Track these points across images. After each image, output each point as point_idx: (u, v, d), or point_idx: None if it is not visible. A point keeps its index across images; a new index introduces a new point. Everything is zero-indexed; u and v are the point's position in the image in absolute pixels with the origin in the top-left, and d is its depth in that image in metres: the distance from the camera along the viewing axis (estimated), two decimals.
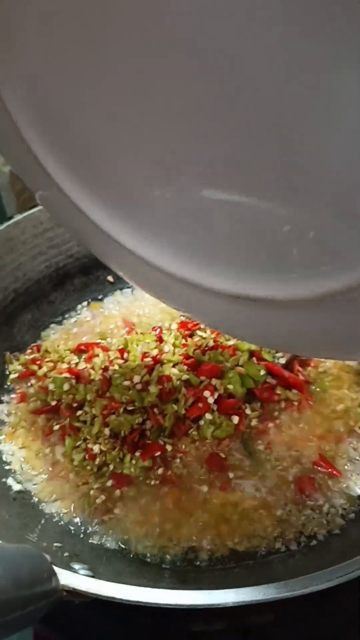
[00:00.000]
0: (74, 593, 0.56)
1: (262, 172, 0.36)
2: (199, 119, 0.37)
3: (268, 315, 0.41)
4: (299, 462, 0.81)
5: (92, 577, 0.58)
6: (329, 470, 0.79)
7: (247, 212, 0.38)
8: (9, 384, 0.98)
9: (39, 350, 1.01)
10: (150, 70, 0.37)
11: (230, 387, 0.87)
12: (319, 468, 0.80)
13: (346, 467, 0.80)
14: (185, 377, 0.88)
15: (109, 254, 0.54)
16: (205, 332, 0.98)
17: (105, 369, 0.91)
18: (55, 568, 0.54)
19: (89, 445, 0.83)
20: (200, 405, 0.85)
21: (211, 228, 0.40)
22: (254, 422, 0.86)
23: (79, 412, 0.87)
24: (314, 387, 0.92)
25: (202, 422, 0.85)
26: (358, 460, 0.81)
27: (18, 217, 1.03)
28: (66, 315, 1.12)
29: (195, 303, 0.49)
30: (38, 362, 0.98)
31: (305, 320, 0.40)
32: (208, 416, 0.85)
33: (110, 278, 1.16)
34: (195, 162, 0.39)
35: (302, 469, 0.80)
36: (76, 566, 0.62)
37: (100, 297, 1.15)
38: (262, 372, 0.90)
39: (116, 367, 0.91)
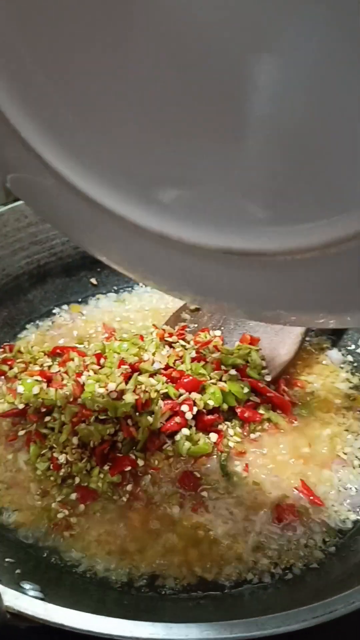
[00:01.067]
0: (19, 616, 0.50)
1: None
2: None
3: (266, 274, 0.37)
4: (279, 487, 0.75)
5: (42, 599, 0.52)
6: (311, 497, 0.74)
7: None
8: None
9: (11, 350, 0.96)
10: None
11: (211, 402, 0.82)
12: (300, 495, 0.74)
13: (330, 495, 0.74)
14: (163, 389, 0.82)
15: (97, 234, 0.49)
16: (187, 342, 0.92)
17: (79, 374, 0.86)
18: (1, 587, 0.49)
19: (55, 454, 0.77)
20: (177, 419, 0.80)
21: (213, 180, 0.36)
22: (233, 442, 0.81)
23: (47, 418, 0.81)
24: (299, 409, 0.87)
25: (178, 438, 0.79)
26: (342, 489, 0.75)
27: (1, 209, 0.98)
28: (44, 316, 1.06)
29: (187, 272, 0.44)
30: (9, 363, 0.93)
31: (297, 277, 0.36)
32: (185, 432, 0.80)
33: (93, 280, 1.11)
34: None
35: (282, 494, 0.74)
36: (26, 586, 0.56)
37: (81, 299, 1.10)
38: (246, 390, 0.85)
39: (91, 372, 0.85)
